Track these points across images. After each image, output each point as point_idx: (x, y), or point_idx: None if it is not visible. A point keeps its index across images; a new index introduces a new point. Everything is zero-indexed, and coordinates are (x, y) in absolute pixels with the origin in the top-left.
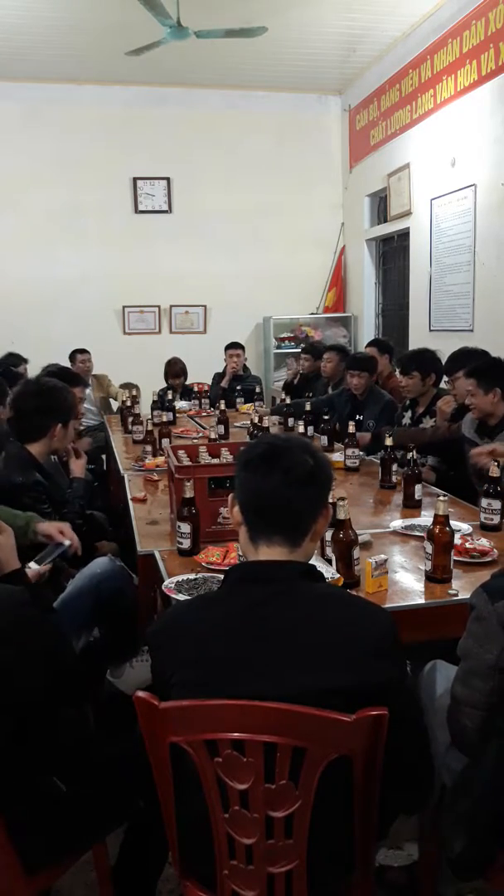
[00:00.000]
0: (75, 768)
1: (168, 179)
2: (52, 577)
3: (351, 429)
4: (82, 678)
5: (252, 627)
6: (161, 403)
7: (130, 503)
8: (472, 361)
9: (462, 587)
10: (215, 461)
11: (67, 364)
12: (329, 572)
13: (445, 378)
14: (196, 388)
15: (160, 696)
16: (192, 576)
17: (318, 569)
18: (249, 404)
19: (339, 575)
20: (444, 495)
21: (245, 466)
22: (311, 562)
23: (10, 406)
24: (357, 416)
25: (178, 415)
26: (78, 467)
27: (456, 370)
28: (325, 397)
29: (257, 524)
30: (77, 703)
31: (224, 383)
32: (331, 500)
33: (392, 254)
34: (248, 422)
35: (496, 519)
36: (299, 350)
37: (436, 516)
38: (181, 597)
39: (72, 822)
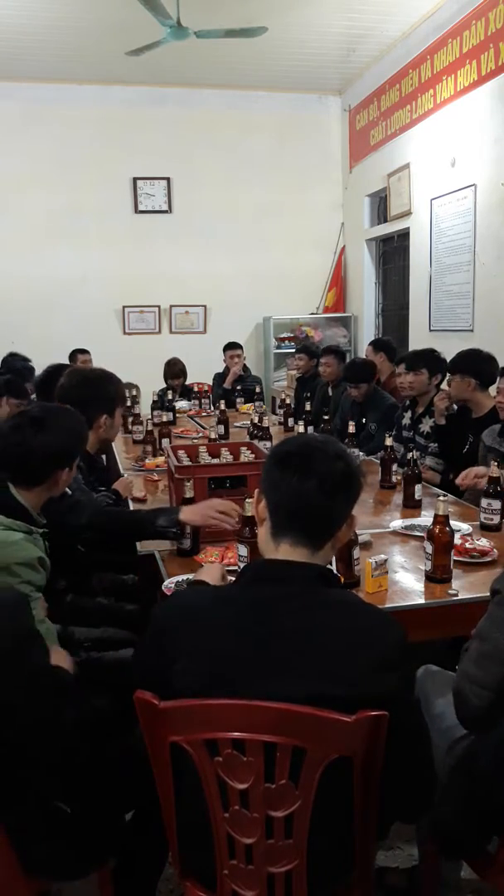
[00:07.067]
0: (71, 772)
1: (168, 179)
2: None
3: (351, 429)
4: (56, 682)
5: (262, 626)
6: (161, 403)
7: (130, 503)
8: (478, 363)
9: (462, 587)
10: (215, 461)
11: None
12: None
13: (448, 375)
14: (196, 389)
15: (148, 681)
16: (191, 576)
17: None
18: (249, 404)
19: (339, 575)
20: (444, 495)
21: (279, 465)
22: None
23: (57, 399)
24: (362, 420)
25: (178, 415)
26: (122, 485)
27: (461, 369)
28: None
29: (284, 524)
30: (54, 707)
31: (227, 384)
32: None
33: (392, 254)
34: (248, 422)
35: (496, 519)
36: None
37: (436, 516)
38: None
39: (76, 847)
